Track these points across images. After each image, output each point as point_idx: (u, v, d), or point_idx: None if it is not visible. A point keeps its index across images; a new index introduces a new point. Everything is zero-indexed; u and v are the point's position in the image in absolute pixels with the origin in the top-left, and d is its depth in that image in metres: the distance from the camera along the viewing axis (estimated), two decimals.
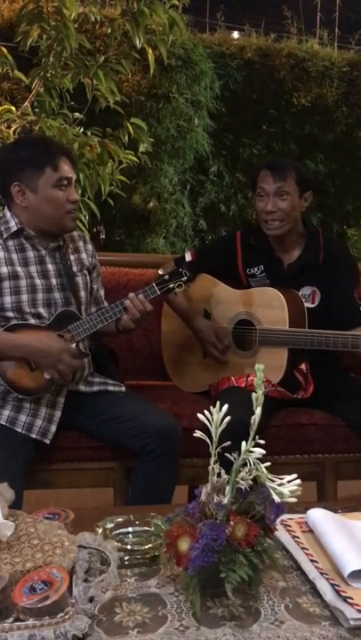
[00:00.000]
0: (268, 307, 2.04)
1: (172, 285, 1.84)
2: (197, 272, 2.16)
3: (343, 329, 1.96)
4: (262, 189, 2.07)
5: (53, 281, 1.86)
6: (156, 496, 1.79)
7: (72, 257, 1.94)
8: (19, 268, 1.82)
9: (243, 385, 1.99)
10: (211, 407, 1.10)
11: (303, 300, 2.08)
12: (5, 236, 1.83)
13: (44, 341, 1.75)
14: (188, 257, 2.21)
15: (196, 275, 2.15)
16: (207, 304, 2.18)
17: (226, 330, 2.13)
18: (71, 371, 1.78)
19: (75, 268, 1.92)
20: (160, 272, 1.88)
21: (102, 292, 2.07)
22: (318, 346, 1.94)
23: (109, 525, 1.26)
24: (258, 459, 1.06)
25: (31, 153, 1.81)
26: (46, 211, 1.82)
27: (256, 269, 2.15)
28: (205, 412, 1.10)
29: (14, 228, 1.83)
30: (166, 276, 1.85)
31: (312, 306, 2.10)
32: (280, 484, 1.05)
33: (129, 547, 1.20)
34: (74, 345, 1.79)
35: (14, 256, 1.83)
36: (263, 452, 1.06)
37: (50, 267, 1.87)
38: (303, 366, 2.05)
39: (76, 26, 2.72)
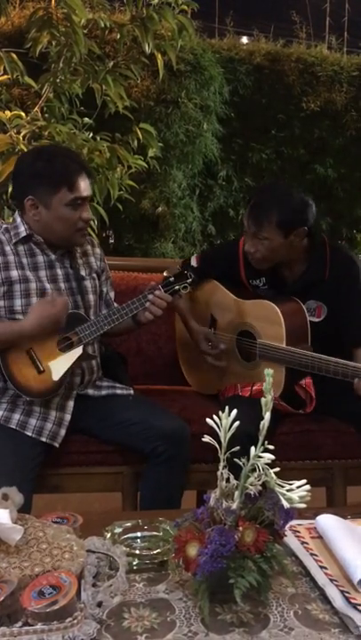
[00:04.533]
0: (267, 321, 1.99)
1: (177, 287, 1.86)
2: (202, 278, 2.16)
3: (350, 346, 1.97)
4: (245, 227, 2.01)
5: (62, 285, 1.87)
6: (166, 499, 1.80)
7: (80, 261, 1.95)
8: (28, 273, 1.83)
9: (247, 394, 1.97)
10: (220, 412, 1.10)
11: (308, 313, 2.02)
12: (14, 240, 1.84)
13: (39, 317, 1.75)
14: (193, 262, 2.21)
15: (202, 279, 2.16)
16: (213, 310, 2.18)
17: (222, 336, 2.12)
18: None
19: (83, 272, 1.93)
20: (165, 274, 1.89)
21: (112, 295, 2.08)
22: (318, 371, 1.88)
23: (118, 530, 1.27)
24: (267, 464, 1.06)
25: (49, 169, 1.78)
26: (57, 227, 1.82)
27: (259, 282, 2.11)
28: (214, 417, 1.10)
29: (23, 234, 1.84)
30: (172, 278, 1.87)
31: (317, 320, 2.04)
32: (289, 490, 1.05)
33: (137, 552, 1.20)
34: (71, 363, 1.79)
35: (24, 260, 1.84)
36: (272, 457, 1.05)
37: (59, 271, 1.88)
38: (304, 382, 2.00)
39: (85, 32, 2.74)
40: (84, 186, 1.82)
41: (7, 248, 1.83)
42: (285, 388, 1.96)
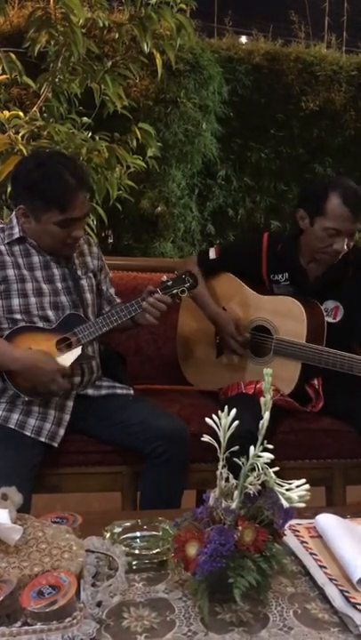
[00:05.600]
0: (287, 317, 2.00)
1: (175, 291, 1.86)
2: (220, 270, 2.18)
3: None
4: (336, 229, 1.96)
5: (59, 285, 1.87)
6: (165, 499, 1.80)
7: (77, 261, 1.94)
8: (25, 272, 1.83)
9: (251, 392, 1.97)
10: (219, 411, 1.10)
11: (325, 313, 2.04)
12: (7, 241, 1.83)
13: (41, 359, 1.74)
14: (212, 254, 2.19)
15: (219, 271, 2.17)
16: (227, 304, 2.17)
17: (245, 324, 2.10)
18: (61, 391, 1.79)
19: (80, 272, 1.93)
20: (163, 278, 1.90)
21: (112, 291, 2.09)
22: (334, 367, 1.91)
23: (117, 530, 1.27)
24: (266, 463, 1.06)
25: (43, 185, 1.73)
26: (45, 240, 1.82)
27: (280, 276, 2.10)
28: (213, 416, 1.10)
29: (17, 235, 1.83)
30: (169, 282, 1.88)
31: (333, 321, 2.06)
32: (289, 489, 1.05)
33: (137, 551, 1.20)
34: (69, 363, 1.79)
35: (20, 260, 1.84)
36: (272, 456, 1.05)
37: (55, 271, 1.88)
38: (315, 382, 2.02)
39: (84, 31, 2.74)
40: (80, 207, 1.77)
41: (1, 247, 1.83)
42: (298, 385, 1.97)
